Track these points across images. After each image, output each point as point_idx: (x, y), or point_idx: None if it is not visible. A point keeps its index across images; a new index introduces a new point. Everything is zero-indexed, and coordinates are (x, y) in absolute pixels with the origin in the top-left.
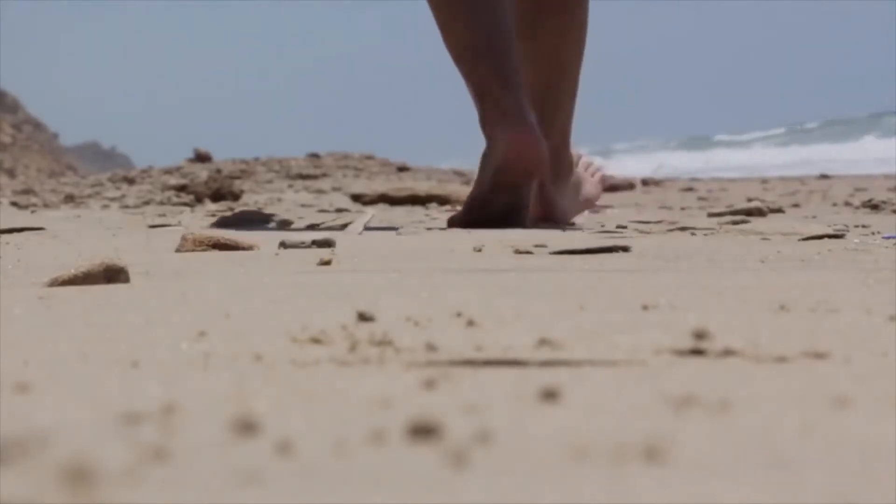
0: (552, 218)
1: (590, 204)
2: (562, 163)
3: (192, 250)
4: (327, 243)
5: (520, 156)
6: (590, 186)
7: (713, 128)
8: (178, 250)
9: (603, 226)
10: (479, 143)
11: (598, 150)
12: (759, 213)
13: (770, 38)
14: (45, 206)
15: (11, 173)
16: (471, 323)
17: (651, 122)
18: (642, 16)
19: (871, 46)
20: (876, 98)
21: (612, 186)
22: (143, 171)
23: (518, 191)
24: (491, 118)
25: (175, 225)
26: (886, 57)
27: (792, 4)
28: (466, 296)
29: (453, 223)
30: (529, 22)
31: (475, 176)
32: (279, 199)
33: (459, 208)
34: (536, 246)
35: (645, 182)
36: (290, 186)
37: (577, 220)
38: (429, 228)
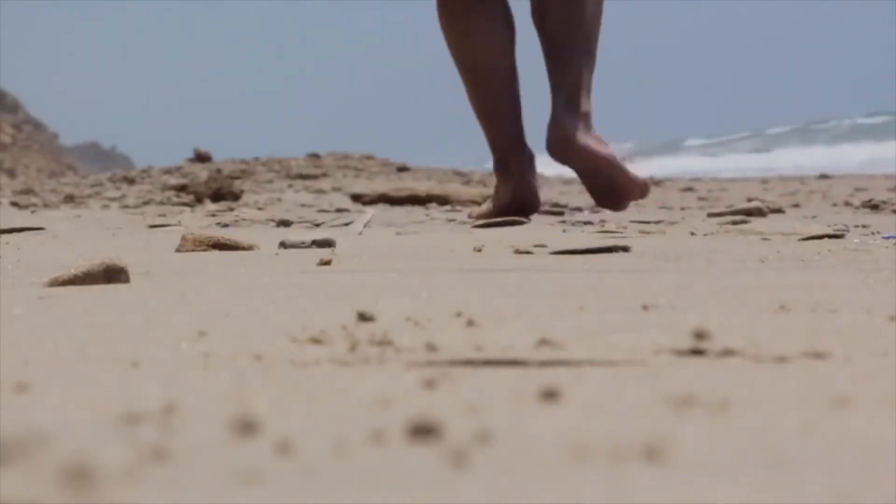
0: (571, 141)
1: (605, 150)
2: (576, 107)
3: (192, 250)
4: (327, 243)
5: (519, 206)
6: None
7: (685, 132)
8: (178, 250)
9: (603, 226)
10: (478, 143)
11: None
12: (759, 213)
13: (742, 40)
14: (45, 206)
15: (11, 173)
16: (471, 323)
17: (620, 126)
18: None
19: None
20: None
21: None
22: (143, 171)
23: (520, 216)
24: (500, 172)
25: (175, 225)
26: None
27: (759, 4)
28: (466, 296)
29: (472, 216)
30: (539, 2)
31: (475, 177)
32: (279, 199)
33: (461, 208)
34: (536, 246)
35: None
36: (290, 186)
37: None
38: (436, 219)
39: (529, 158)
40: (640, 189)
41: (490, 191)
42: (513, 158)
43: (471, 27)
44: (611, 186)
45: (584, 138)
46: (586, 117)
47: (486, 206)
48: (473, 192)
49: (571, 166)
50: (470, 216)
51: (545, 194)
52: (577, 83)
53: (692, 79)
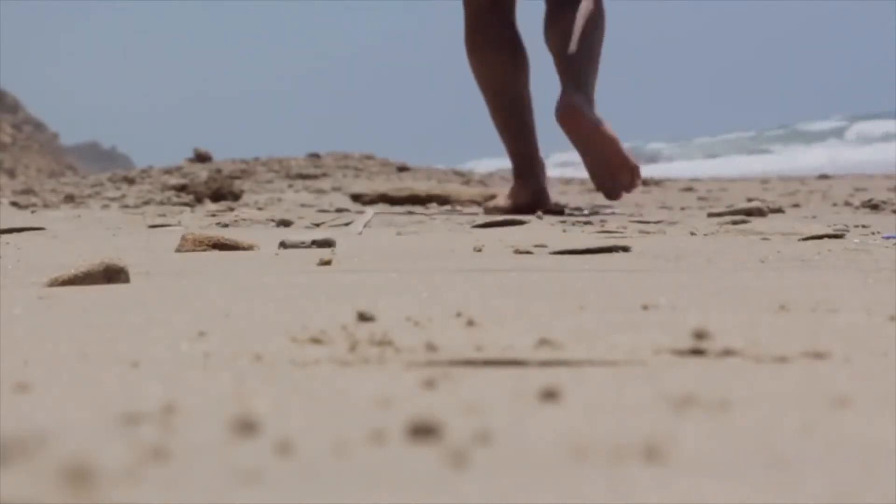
0: (581, 117)
1: (610, 131)
2: (586, 93)
3: (193, 250)
4: (327, 243)
5: (535, 204)
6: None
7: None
8: (178, 250)
9: (603, 226)
10: (478, 143)
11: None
12: (759, 213)
13: (711, 41)
14: (45, 206)
15: (11, 173)
16: (471, 323)
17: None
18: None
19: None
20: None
21: None
22: (143, 171)
23: (534, 212)
24: (519, 177)
25: (175, 225)
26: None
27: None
28: (466, 296)
29: (489, 210)
30: (550, 24)
31: (475, 177)
32: (279, 199)
33: (461, 207)
34: (536, 246)
35: (645, 182)
36: (290, 186)
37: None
38: (437, 218)
39: (542, 166)
40: (632, 172)
41: (490, 190)
42: (530, 166)
43: (496, 61)
44: (608, 164)
45: (589, 113)
46: (592, 102)
47: (504, 202)
48: (473, 192)
49: (575, 135)
50: (486, 209)
51: (553, 194)
52: (586, 80)
53: (654, 84)
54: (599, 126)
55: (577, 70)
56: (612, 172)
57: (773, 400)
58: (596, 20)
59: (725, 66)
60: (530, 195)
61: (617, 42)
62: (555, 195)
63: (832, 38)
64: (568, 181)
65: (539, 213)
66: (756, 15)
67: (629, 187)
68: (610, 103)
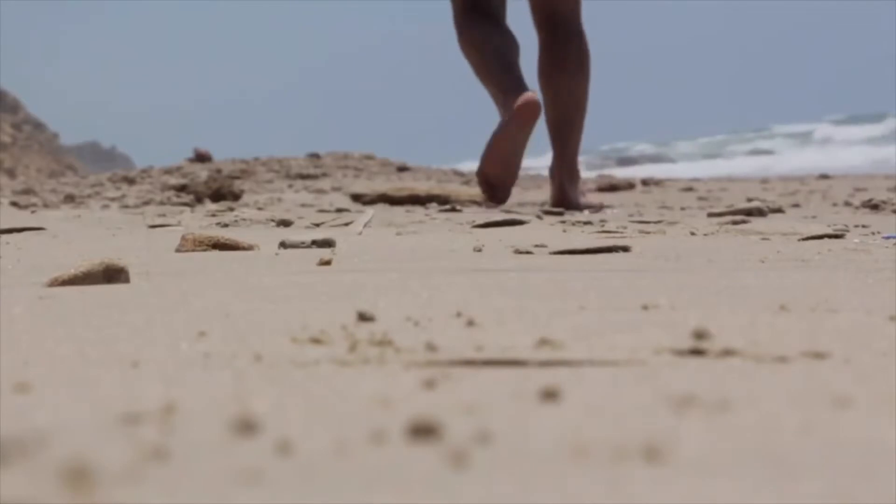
0: (568, 202)
1: (595, 202)
2: (573, 172)
3: (193, 250)
4: (327, 243)
5: (525, 112)
6: (591, 196)
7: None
8: (178, 250)
9: (603, 226)
10: (478, 144)
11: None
12: (759, 213)
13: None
14: (45, 206)
15: (11, 173)
16: (471, 323)
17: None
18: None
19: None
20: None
21: (611, 186)
22: (143, 171)
23: (525, 130)
24: (501, 111)
25: (175, 225)
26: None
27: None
28: (466, 296)
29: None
30: (547, 80)
31: (475, 177)
32: (279, 199)
33: (461, 207)
34: (536, 246)
35: (645, 182)
36: (290, 186)
37: (587, 210)
38: (438, 218)
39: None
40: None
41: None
42: (514, 83)
43: (486, 31)
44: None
45: (575, 198)
46: (578, 179)
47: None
48: (473, 192)
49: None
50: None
51: (545, 194)
52: (573, 152)
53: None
54: (580, 204)
55: (567, 144)
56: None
57: (773, 400)
58: (583, 82)
59: (700, 68)
60: (521, 104)
61: (607, 44)
62: None
63: (808, 40)
64: None
65: (539, 213)
66: (729, 19)
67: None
68: (609, 104)
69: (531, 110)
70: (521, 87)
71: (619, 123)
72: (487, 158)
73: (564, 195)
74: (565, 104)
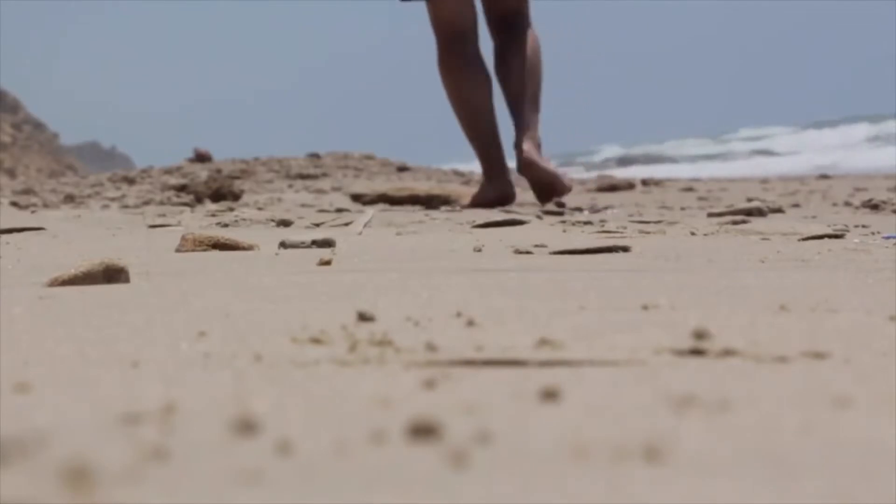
0: (536, 167)
1: (560, 170)
2: (536, 140)
3: (193, 250)
4: (327, 243)
5: (504, 197)
6: (553, 166)
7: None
8: (178, 250)
9: (603, 226)
10: None
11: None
12: (759, 213)
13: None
14: (45, 206)
15: (11, 173)
16: (471, 323)
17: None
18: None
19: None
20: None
21: (611, 186)
22: (143, 171)
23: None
24: (488, 176)
25: (175, 225)
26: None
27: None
28: (466, 296)
29: (467, 205)
30: (503, 64)
31: (475, 177)
32: (279, 199)
33: (461, 208)
34: (536, 246)
35: (645, 182)
36: (290, 186)
37: (587, 210)
38: (440, 218)
39: (505, 165)
40: (568, 189)
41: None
42: (499, 169)
43: (467, 80)
44: (551, 189)
45: (541, 161)
46: (539, 146)
47: (478, 196)
48: (473, 191)
49: (533, 179)
50: (462, 206)
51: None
52: (534, 124)
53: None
54: (547, 168)
55: (527, 117)
56: (552, 193)
57: (773, 400)
58: (536, 63)
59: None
60: (501, 189)
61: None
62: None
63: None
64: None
65: (539, 213)
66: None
67: (561, 196)
68: (609, 104)
69: (505, 202)
70: (502, 172)
71: (620, 124)
72: (479, 202)
73: (532, 161)
74: (522, 80)
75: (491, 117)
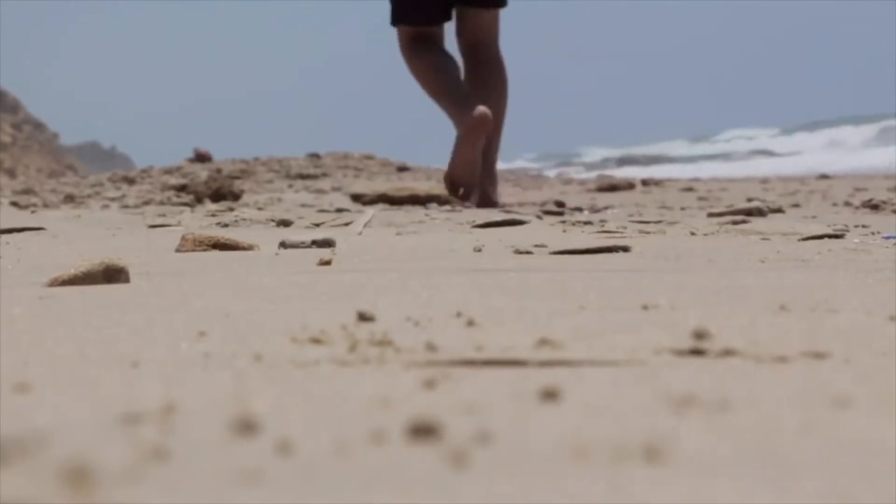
0: (490, 202)
1: (509, 201)
2: (493, 177)
3: (193, 250)
4: (327, 243)
5: (476, 126)
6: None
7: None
8: (178, 250)
9: (603, 226)
10: None
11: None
12: (759, 213)
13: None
14: (45, 206)
15: (11, 173)
16: (471, 323)
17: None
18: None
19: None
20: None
21: (611, 186)
22: (143, 171)
23: (481, 138)
24: (458, 122)
25: (175, 225)
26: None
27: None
28: (466, 296)
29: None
30: (473, 91)
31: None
32: (279, 199)
33: (461, 208)
34: (536, 246)
35: (645, 182)
36: (290, 186)
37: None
38: (437, 218)
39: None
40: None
41: None
42: (468, 103)
43: (434, 55)
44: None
45: (495, 198)
46: (497, 183)
47: (456, 157)
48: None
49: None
50: (447, 180)
51: (545, 194)
52: (494, 158)
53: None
54: (497, 202)
55: (488, 154)
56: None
57: (773, 400)
58: (503, 98)
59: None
60: (466, 127)
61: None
62: (555, 195)
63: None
64: (567, 181)
65: (539, 213)
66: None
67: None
68: (609, 104)
69: (484, 122)
70: (474, 103)
71: (619, 123)
72: (454, 165)
73: (487, 196)
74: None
75: (457, 73)
